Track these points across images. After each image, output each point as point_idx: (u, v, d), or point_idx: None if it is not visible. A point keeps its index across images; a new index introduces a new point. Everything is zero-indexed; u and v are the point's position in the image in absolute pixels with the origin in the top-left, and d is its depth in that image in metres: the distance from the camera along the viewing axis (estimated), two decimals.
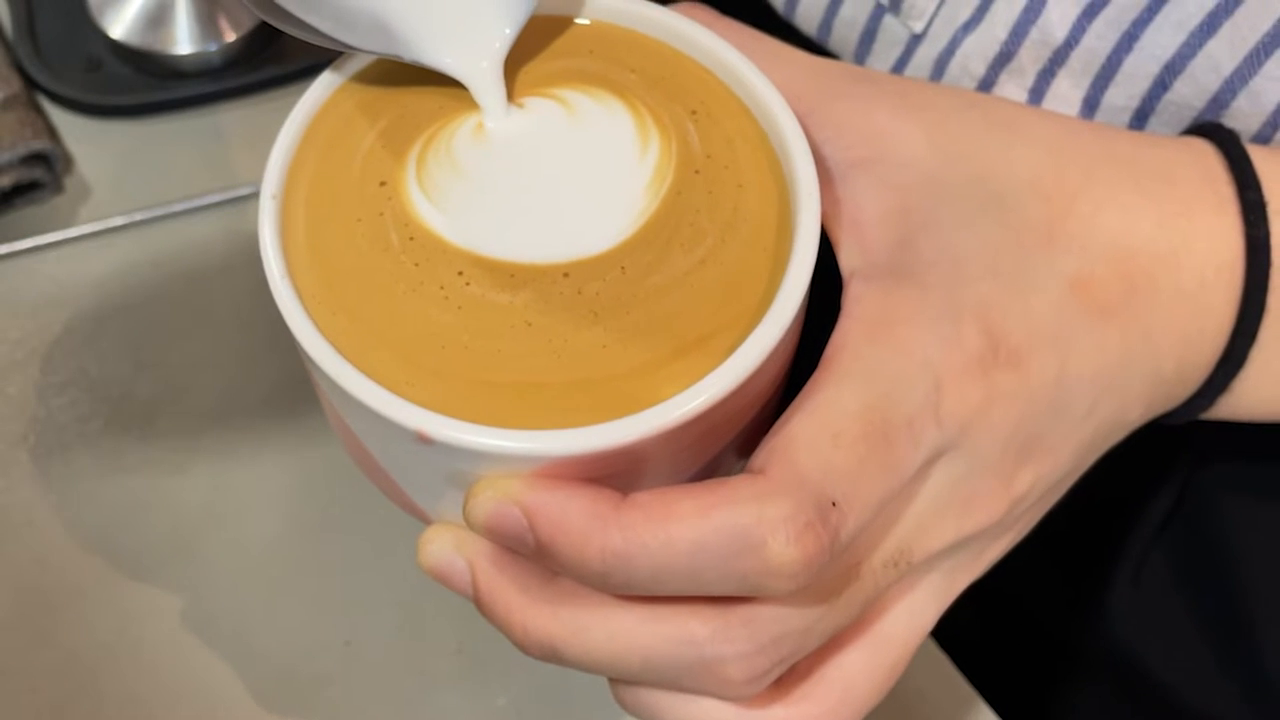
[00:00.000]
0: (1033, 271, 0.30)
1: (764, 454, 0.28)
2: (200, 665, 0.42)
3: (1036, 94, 0.39)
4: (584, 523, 0.27)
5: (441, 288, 0.30)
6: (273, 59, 0.55)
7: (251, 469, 0.45)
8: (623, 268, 0.30)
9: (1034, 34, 0.38)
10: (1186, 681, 0.45)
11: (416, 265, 0.31)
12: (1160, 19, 0.36)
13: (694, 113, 0.33)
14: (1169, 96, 0.37)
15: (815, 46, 0.45)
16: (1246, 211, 0.32)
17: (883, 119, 0.32)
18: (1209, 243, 0.32)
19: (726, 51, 0.33)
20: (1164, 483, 0.44)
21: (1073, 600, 0.46)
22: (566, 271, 0.30)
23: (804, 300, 0.30)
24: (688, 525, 0.27)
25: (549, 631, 0.29)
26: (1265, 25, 0.34)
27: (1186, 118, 0.37)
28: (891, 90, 0.32)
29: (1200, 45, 0.35)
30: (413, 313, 0.30)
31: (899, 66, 0.42)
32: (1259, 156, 0.33)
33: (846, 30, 0.43)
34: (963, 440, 0.29)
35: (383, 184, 0.32)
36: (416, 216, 0.31)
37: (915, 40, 0.41)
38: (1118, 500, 0.44)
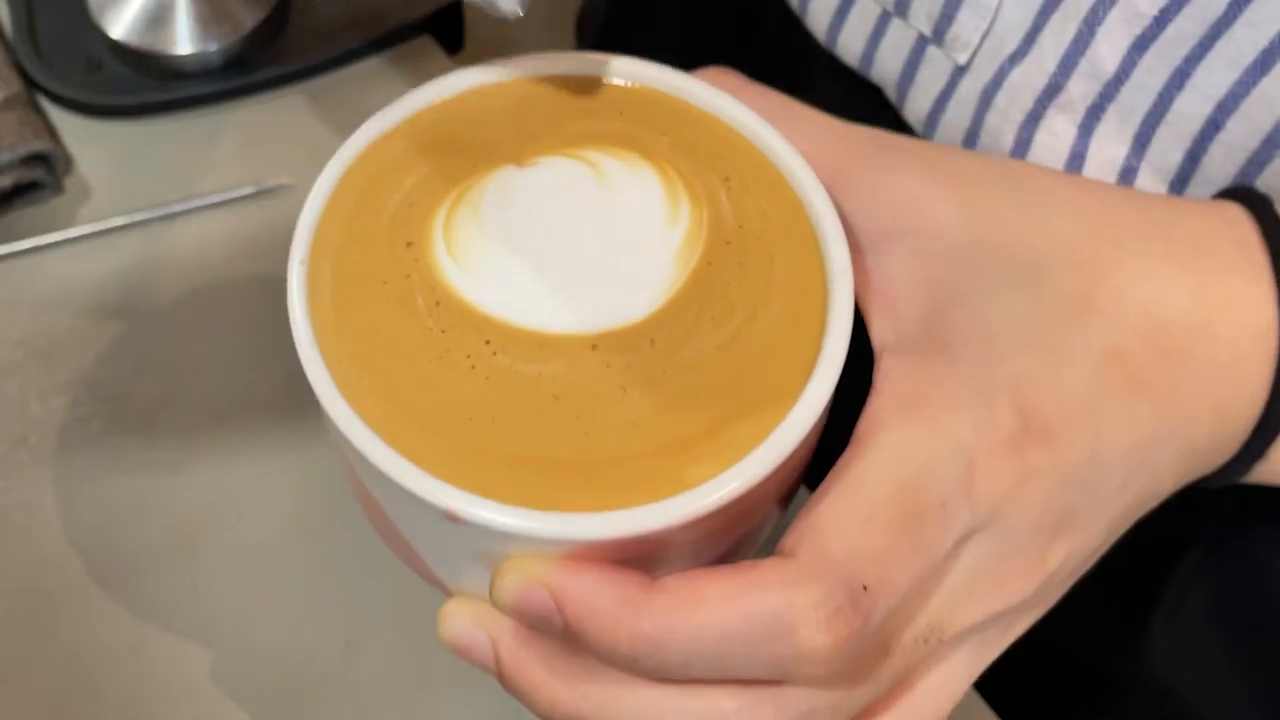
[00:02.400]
0: (1066, 346, 0.30)
1: (794, 535, 0.28)
2: (200, 665, 0.42)
3: (1085, 130, 0.38)
4: (614, 608, 0.27)
5: (468, 356, 0.30)
6: (273, 59, 0.55)
7: (251, 469, 0.45)
8: (652, 341, 0.30)
9: (1083, 66, 0.37)
10: (1223, 717, 0.45)
11: (443, 332, 0.30)
12: (1212, 56, 0.35)
13: (727, 179, 0.32)
14: (1221, 136, 0.36)
15: (857, 77, 0.44)
16: (1279, 279, 0.31)
17: (914, 187, 0.31)
18: (1243, 313, 0.31)
19: (754, 119, 0.32)
20: (1204, 517, 0.44)
21: (1109, 634, 0.46)
22: (595, 343, 0.30)
23: (837, 383, 0.29)
24: (718, 611, 0.26)
25: (576, 708, 0.29)
26: None
27: (1239, 159, 0.36)
28: (922, 158, 0.32)
29: (1254, 83, 0.35)
30: (440, 382, 0.29)
31: (942, 99, 0.42)
32: None
33: (889, 61, 0.43)
34: (996, 519, 0.29)
35: (410, 245, 0.31)
36: (444, 280, 0.31)
37: (959, 72, 0.41)
38: (1158, 534, 0.44)
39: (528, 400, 0.29)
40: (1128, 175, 0.38)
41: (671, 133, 0.33)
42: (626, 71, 0.33)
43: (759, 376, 0.29)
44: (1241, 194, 0.33)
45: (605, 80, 0.33)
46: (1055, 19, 0.38)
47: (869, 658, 0.29)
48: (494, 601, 0.28)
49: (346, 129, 0.53)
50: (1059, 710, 0.48)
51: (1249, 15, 0.34)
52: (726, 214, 0.31)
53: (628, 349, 0.30)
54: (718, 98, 0.33)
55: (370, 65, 0.56)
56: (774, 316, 0.30)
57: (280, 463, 0.45)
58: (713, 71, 0.34)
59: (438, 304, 0.30)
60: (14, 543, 0.43)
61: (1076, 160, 0.39)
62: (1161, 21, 0.35)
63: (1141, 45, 0.36)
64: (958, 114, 0.41)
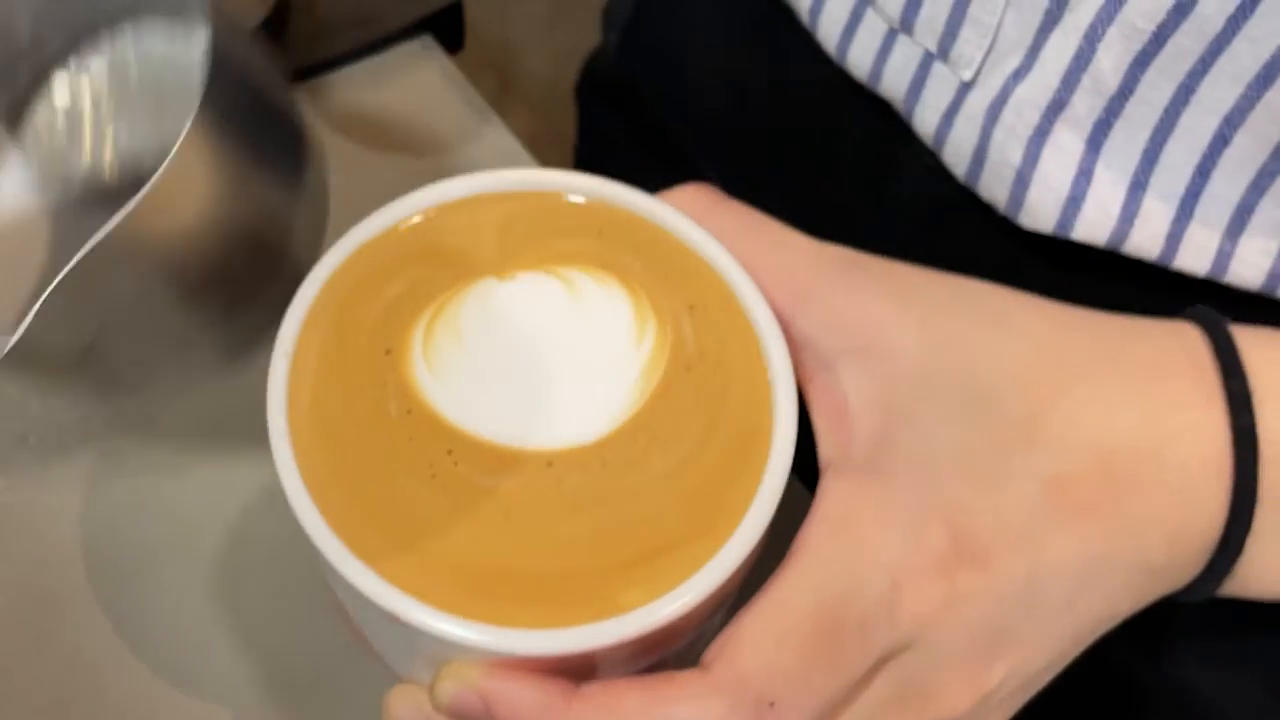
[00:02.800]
0: (1007, 471, 0.31)
1: (715, 649, 0.29)
2: (200, 665, 0.42)
3: (1094, 145, 0.39)
4: (536, 713, 0.29)
5: (431, 466, 0.31)
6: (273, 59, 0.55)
7: (252, 469, 0.45)
8: (604, 462, 0.31)
9: (1086, 81, 0.37)
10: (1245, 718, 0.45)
11: (410, 440, 0.32)
12: (1215, 71, 0.35)
13: (691, 307, 0.33)
14: (1230, 151, 0.36)
15: (867, 93, 0.45)
16: (1232, 402, 0.32)
17: (875, 308, 0.32)
18: (1194, 436, 0.32)
19: (719, 249, 0.33)
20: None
21: (1138, 638, 0.46)
22: (550, 461, 0.31)
23: (774, 515, 0.30)
24: None
25: None
26: None
27: (1250, 171, 0.37)
28: (886, 279, 0.33)
29: (1259, 97, 0.35)
30: (401, 489, 0.31)
31: (950, 114, 0.42)
32: (1250, 342, 0.33)
33: (896, 77, 0.43)
34: (923, 637, 0.30)
35: (388, 352, 0.33)
36: (417, 389, 0.32)
37: (966, 88, 0.41)
38: None
39: (481, 513, 0.31)
40: (1136, 190, 0.39)
41: (645, 257, 0.34)
42: (607, 194, 0.35)
43: (701, 505, 0.31)
44: (1199, 315, 0.33)
45: (587, 200, 0.35)
46: (1055, 35, 0.38)
47: None
48: (431, 700, 0.30)
49: (347, 129, 0.53)
50: (1085, 715, 0.48)
51: (1248, 31, 0.34)
52: (689, 340, 0.33)
53: (580, 468, 0.31)
54: (688, 225, 0.34)
55: (370, 65, 0.56)
56: (721, 447, 0.31)
57: None
58: (691, 190, 0.35)
59: (409, 412, 0.32)
60: (14, 542, 0.43)
61: (1084, 176, 0.39)
62: (1160, 38, 0.36)
63: (1143, 61, 0.36)
64: (965, 129, 0.41)
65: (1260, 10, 0.34)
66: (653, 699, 0.29)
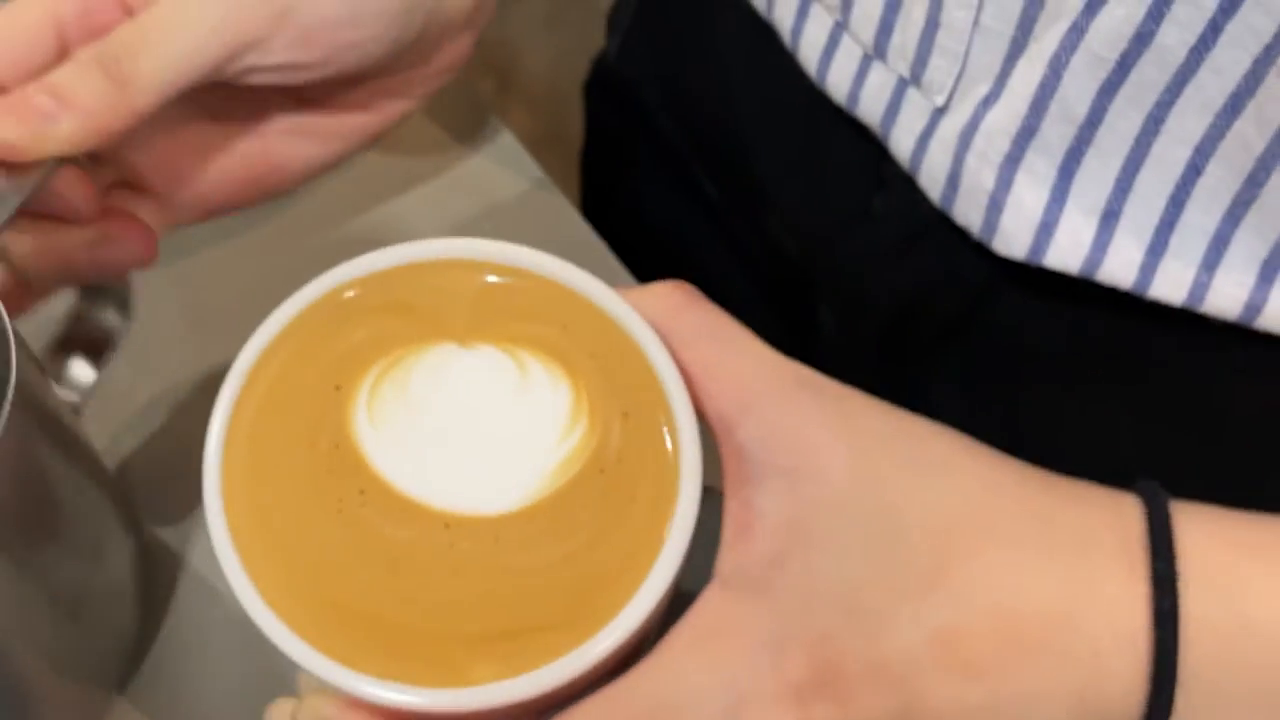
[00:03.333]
0: (895, 614, 0.31)
1: None
2: (200, 665, 0.42)
3: (1066, 173, 0.39)
4: None
5: (339, 500, 0.33)
6: None
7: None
8: (496, 538, 0.32)
9: (1054, 109, 0.38)
10: None
11: (329, 473, 0.33)
12: (1183, 102, 0.35)
13: (625, 415, 0.34)
14: (1203, 181, 0.37)
15: (845, 116, 0.45)
16: (1155, 583, 0.32)
17: (812, 432, 0.32)
18: (1110, 611, 0.32)
19: (665, 360, 0.34)
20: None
21: None
22: (448, 523, 0.32)
23: (646, 618, 0.31)
24: None
25: None
26: None
27: (1224, 201, 0.37)
28: (834, 406, 0.33)
29: (1228, 126, 0.35)
30: (308, 518, 0.33)
31: (924, 138, 0.42)
32: (1190, 523, 0.32)
33: (872, 102, 0.44)
34: None
35: (338, 388, 0.34)
36: (350, 427, 0.33)
37: (939, 113, 0.41)
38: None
39: (371, 557, 0.32)
40: (1110, 219, 0.39)
41: (600, 357, 0.35)
42: (582, 286, 0.35)
43: (579, 599, 0.32)
44: (1144, 489, 0.33)
45: (563, 287, 0.36)
46: (1021, 64, 0.38)
47: None
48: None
49: None
50: None
51: (1211, 62, 0.34)
52: (613, 446, 0.34)
53: (473, 538, 0.32)
54: (646, 333, 0.34)
55: None
56: (613, 549, 0.32)
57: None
58: (667, 287, 0.35)
59: (336, 447, 0.33)
60: None
61: (1057, 203, 0.39)
62: (1124, 66, 0.36)
63: (1109, 90, 0.36)
64: (939, 154, 0.42)
65: (1221, 42, 0.34)
66: None
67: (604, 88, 0.64)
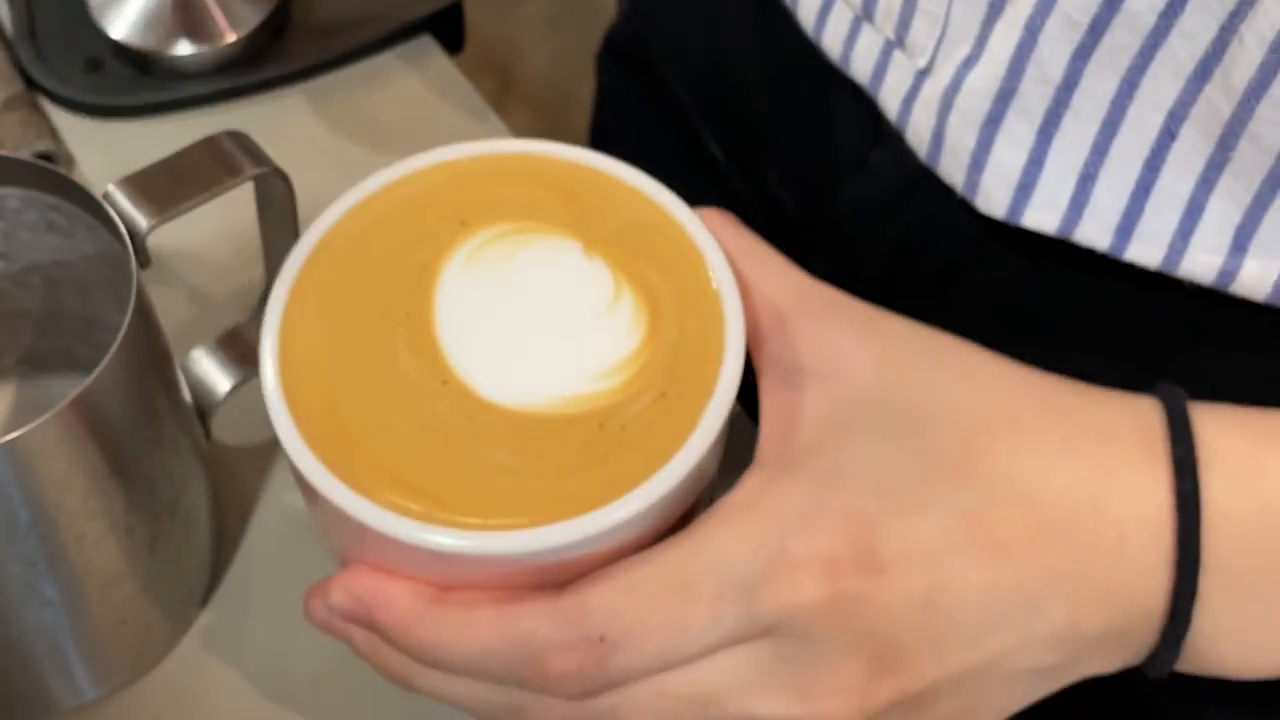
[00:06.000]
0: (925, 497, 0.32)
1: (583, 579, 0.33)
2: (200, 665, 0.42)
3: (1045, 135, 0.39)
4: (402, 614, 0.33)
5: (423, 389, 0.34)
6: (273, 59, 0.55)
7: (252, 469, 0.45)
8: (523, 435, 0.34)
9: (1032, 71, 0.38)
10: None
11: (411, 368, 0.35)
12: (1156, 66, 0.36)
13: (682, 333, 0.36)
14: (1177, 145, 0.37)
15: (838, 74, 0.46)
16: (1176, 466, 0.32)
17: (840, 338, 0.35)
18: (1132, 497, 0.32)
19: (724, 268, 0.37)
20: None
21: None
22: (502, 414, 0.34)
23: (655, 504, 0.33)
24: (480, 631, 0.32)
25: (401, 672, 0.35)
26: (1248, 73, 0.34)
27: (1197, 166, 0.37)
28: (857, 317, 0.35)
29: (1199, 91, 0.36)
30: (368, 382, 0.34)
31: (909, 100, 0.43)
32: (1207, 415, 0.33)
33: (862, 62, 0.44)
34: (793, 629, 0.31)
35: (464, 224, 0.37)
36: (431, 299, 0.36)
37: (922, 75, 0.42)
38: None
39: (433, 421, 0.34)
40: (1086, 182, 0.39)
41: (661, 265, 0.37)
42: (655, 196, 0.38)
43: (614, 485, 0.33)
44: (1162, 390, 0.34)
45: (653, 200, 0.38)
46: (999, 26, 0.39)
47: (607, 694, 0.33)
48: (328, 603, 0.34)
49: (347, 129, 0.53)
50: None
51: (1181, 26, 0.35)
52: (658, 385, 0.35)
53: (507, 423, 0.34)
54: (705, 237, 0.37)
55: (370, 65, 0.57)
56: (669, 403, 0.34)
57: (281, 461, 0.46)
58: (710, 211, 0.38)
59: (409, 314, 0.36)
60: None
61: (1035, 164, 0.40)
62: (1096, 30, 0.36)
63: (1083, 53, 0.37)
64: (923, 115, 0.42)
65: (1189, 8, 0.34)
66: (502, 611, 0.32)
67: (614, 54, 0.65)
